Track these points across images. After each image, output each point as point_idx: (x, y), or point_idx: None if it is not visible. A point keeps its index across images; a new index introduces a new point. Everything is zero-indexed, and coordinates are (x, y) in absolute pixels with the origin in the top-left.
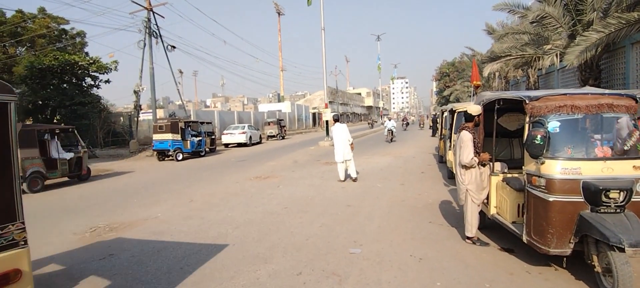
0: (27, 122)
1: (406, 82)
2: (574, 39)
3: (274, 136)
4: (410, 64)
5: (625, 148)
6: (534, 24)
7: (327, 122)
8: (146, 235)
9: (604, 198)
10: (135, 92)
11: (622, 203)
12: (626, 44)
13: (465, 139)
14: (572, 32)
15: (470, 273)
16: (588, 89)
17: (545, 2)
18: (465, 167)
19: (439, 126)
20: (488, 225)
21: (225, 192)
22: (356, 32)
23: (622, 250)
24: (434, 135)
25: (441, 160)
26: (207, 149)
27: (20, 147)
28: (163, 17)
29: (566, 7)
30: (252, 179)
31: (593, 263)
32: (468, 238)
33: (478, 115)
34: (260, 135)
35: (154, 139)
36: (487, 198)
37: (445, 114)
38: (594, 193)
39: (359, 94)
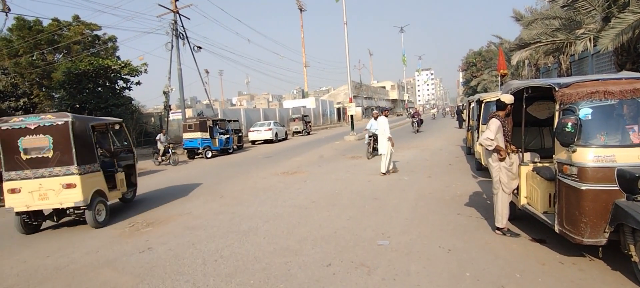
0: None
1: (431, 74)
2: (608, 22)
3: (299, 132)
4: (435, 54)
5: None
6: (565, 8)
7: (351, 116)
8: (181, 229)
9: None
10: (164, 92)
11: None
12: None
13: (491, 124)
14: (607, 15)
15: (500, 264)
16: (624, 74)
17: None
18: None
19: (465, 117)
20: (518, 216)
21: (253, 187)
22: (379, 25)
23: None
24: (460, 126)
25: (469, 151)
26: (234, 146)
27: None
28: (189, 19)
29: None
30: (280, 175)
31: (630, 252)
32: (498, 229)
33: (511, 104)
34: (286, 131)
35: (184, 137)
36: (517, 188)
37: (472, 104)
38: (629, 180)
39: (384, 87)
